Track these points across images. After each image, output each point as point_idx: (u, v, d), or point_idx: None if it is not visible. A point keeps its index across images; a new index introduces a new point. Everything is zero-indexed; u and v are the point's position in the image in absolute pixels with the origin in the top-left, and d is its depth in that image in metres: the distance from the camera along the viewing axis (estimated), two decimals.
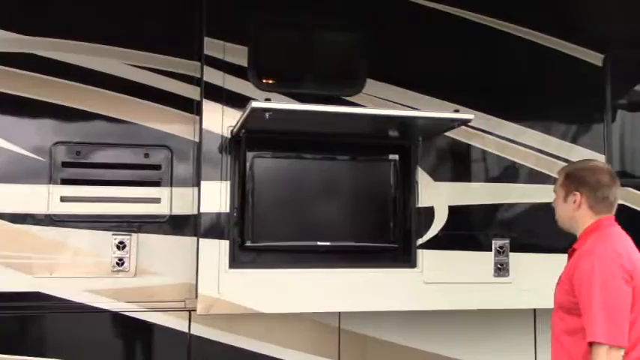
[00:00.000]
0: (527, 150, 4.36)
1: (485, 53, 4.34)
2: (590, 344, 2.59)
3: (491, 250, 4.08)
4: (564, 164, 4.26)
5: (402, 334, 4.35)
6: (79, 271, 3.90)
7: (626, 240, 2.86)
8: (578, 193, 2.91)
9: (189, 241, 4.01)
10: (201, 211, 3.86)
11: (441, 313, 4.16)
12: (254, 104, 3.32)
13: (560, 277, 2.95)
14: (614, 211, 2.94)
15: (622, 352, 2.56)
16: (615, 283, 2.63)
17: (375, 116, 3.71)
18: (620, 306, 2.61)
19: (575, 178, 2.94)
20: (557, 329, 2.88)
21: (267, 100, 3.39)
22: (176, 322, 4.04)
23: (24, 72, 3.93)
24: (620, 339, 2.56)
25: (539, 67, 4.41)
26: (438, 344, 4.38)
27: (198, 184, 3.94)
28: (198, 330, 4.06)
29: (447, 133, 4.08)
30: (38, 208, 3.88)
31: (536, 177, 4.35)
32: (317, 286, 3.92)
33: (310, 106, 3.57)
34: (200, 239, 3.85)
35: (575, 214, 2.93)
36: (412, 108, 4.07)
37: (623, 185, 4.33)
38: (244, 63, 3.97)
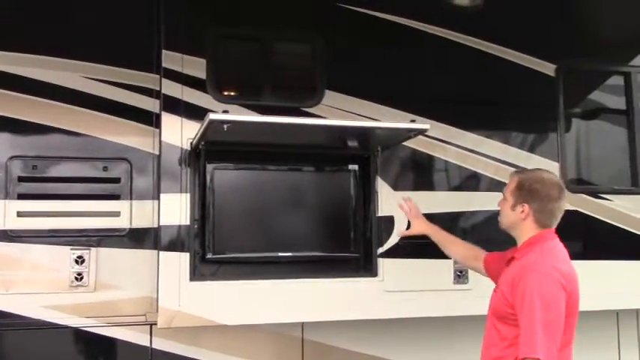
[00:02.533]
0: (486, 159, 4.44)
1: (442, 64, 4.40)
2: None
3: (450, 258, 4.13)
4: None
5: (365, 343, 4.37)
6: (36, 287, 3.83)
7: (564, 255, 2.91)
8: (526, 206, 2.93)
9: (149, 254, 3.97)
10: (162, 223, 3.84)
11: (403, 320, 4.19)
12: (212, 116, 3.32)
13: (497, 284, 3.02)
14: (556, 224, 2.99)
15: None
16: (556, 302, 2.67)
17: (333, 127, 3.74)
18: (558, 324, 2.66)
19: (525, 191, 2.95)
20: (488, 336, 2.93)
21: (225, 112, 3.38)
22: (137, 337, 3.99)
23: None
24: (554, 357, 2.60)
25: (494, 77, 4.50)
26: (401, 352, 4.40)
27: (158, 197, 3.91)
28: (160, 344, 4.02)
29: (406, 143, 4.13)
30: None
31: (495, 185, 4.41)
32: (279, 297, 3.92)
33: (268, 118, 3.60)
34: (160, 252, 3.82)
35: (520, 223, 2.97)
36: (371, 119, 4.12)
37: (576, 192, 4.50)
38: (203, 75, 3.97)
